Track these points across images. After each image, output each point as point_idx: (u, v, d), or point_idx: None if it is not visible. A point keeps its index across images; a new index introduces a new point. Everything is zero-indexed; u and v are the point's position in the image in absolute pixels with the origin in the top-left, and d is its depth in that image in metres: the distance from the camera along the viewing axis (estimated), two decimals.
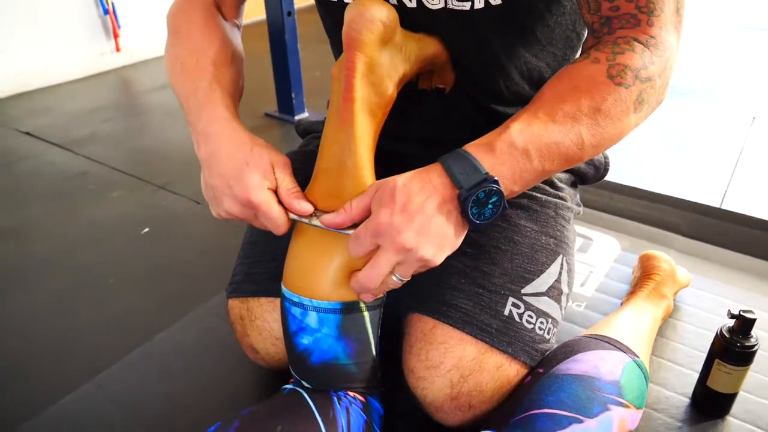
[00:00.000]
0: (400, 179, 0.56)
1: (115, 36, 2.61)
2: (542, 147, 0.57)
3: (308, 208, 0.61)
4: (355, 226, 0.58)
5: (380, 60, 0.61)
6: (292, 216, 0.62)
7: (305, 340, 0.66)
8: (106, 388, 0.91)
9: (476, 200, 0.55)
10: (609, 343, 0.73)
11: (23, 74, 2.37)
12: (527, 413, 0.63)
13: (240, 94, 0.72)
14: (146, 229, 1.38)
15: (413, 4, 0.66)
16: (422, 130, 0.79)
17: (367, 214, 0.58)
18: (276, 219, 0.61)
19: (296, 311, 0.65)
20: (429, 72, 0.74)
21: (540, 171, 0.58)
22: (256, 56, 2.84)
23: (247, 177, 0.60)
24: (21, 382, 0.95)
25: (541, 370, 0.69)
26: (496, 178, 0.55)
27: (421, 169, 0.58)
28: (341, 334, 0.65)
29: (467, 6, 0.64)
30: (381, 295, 0.66)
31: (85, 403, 0.88)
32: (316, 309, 0.64)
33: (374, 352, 0.69)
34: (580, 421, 0.61)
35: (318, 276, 0.63)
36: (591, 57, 0.59)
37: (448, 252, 0.59)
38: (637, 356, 0.72)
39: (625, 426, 0.65)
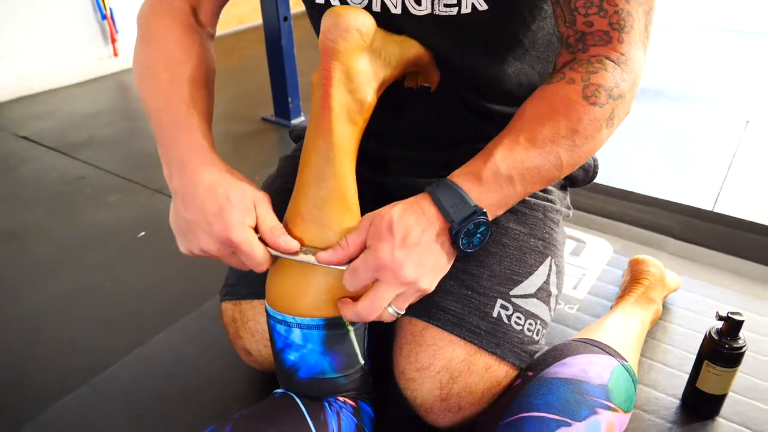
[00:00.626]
0: (395, 212, 0.57)
1: (113, 41, 2.62)
2: (524, 172, 0.59)
3: (295, 245, 0.60)
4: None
5: (358, 67, 0.61)
6: (275, 253, 0.60)
7: (292, 356, 0.66)
8: (102, 390, 0.91)
9: (466, 231, 0.57)
10: (598, 347, 0.73)
11: (23, 78, 2.38)
12: (516, 416, 0.64)
13: (212, 117, 0.70)
14: (143, 233, 1.39)
15: (398, 10, 0.66)
16: (410, 129, 0.79)
17: (362, 249, 0.58)
18: (259, 258, 0.59)
19: (281, 328, 0.65)
20: (414, 72, 0.75)
21: (522, 194, 0.61)
22: (253, 61, 2.86)
23: (228, 215, 0.58)
24: (19, 385, 0.96)
25: (530, 373, 0.69)
26: (484, 211, 0.58)
27: (411, 200, 0.59)
28: (326, 349, 0.65)
29: (454, 11, 0.64)
30: None
31: (82, 405, 0.89)
32: (300, 326, 0.63)
33: (362, 362, 0.69)
34: (569, 425, 0.62)
35: (300, 294, 0.62)
36: (567, 77, 0.61)
37: (440, 278, 0.61)
38: (626, 360, 0.73)
39: (613, 429, 0.65)
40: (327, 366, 0.66)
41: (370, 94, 0.63)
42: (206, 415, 0.85)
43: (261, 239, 0.60)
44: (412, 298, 0.60)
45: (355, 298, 0.61)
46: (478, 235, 0.59)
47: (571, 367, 0.68)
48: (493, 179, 0.58)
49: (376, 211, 0.59)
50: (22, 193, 1.63)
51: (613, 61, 0.60)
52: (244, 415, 0.65)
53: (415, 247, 0.56)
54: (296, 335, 0.64)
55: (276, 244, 0.60)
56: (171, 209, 0.63)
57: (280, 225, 0.61)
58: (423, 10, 0.65)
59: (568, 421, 0.62)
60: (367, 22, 0.61)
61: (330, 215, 0.61)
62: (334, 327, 0.64)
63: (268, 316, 0.66)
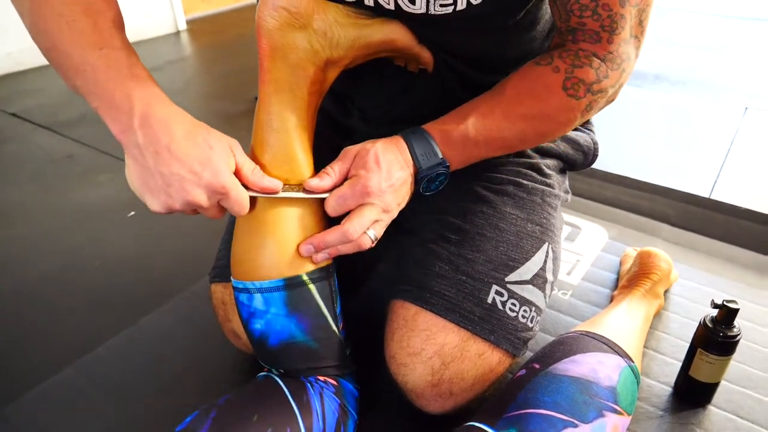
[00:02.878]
0: (379, 148, 0.64)
1: None
2: (491, 140, 0.67)
3: (278, 183, 0.63)
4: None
5: (294, 44, 0.62)
6: (253, 194, 0.62)
7: (258, 325, 0.66)
8: (89, 371, 0.90)
9: (429, 178, 0.66)
10: (607, 344, 0.71)
11: (12, 54, 2.33)
12: (522, 411, 0.62)
13: None
14: (132, 213, 1.37)
15: (391, 7, 0.64)
16: (407, 112, 0.77)
17: (344, 178, 0.65)
18: (245, 201, 0.61)
19: (244, 297, 0.66)
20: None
21: (485, 155, 0.70)
22: (248, 39, 2.81)
23: (215, 162, 0.58)
24: (5, 364, 0.94)
25: (537, 366, 0.68)
26: (448, 164, 0.66)
27: (388, 140, 0.66)
28: (290, 311, 0.65)
29: (450, 9, 0.63)
30: (327, 263, 0.67)
31: (68, 386, 0.88)
32: (260, 290, 0.65)
33: (334, 327, 0.69)
34: (575, 426, 0.60)
35: (255, 258, 0.65)
36: (553, 64, 0.65)
37: None
38: (633, 361, 0.71)
39: None
40: (294, 328, 0.66)
41: (310, 69, 0.64)
42: (194, 397, 0.84)
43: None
44: (384, 226, 0.66)
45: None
46: (437, 183, 0.68)
47: (580, 366, 0.67)
48: (461, 141, 0.66)
49: (359, 145, 0.65)
50: (10, 170, 1.60)
51: (599, 58, 0.64)
52: (228, 400, 0.65)
53: (395, 181, 0.64)
54: (258, 301, 0.65)
55: (261, 185, 0.62)
56: (131, 168, 0.59)
57: (258, 167, 0.63)
58: (417, 9, 0.63)
59: (575, 422, 0.60)
60: (297, 2, 0.61)
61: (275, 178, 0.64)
62: (294, 286, 0.65)
63: (233, 288, 0.68)
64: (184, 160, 0.57)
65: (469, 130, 0.65)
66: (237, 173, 0.61)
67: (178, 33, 2.95)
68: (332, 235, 0.64)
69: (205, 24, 3.12)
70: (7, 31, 2.28)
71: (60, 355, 0.94)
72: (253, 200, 0.63)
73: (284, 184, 0.64)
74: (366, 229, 0.64)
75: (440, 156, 0.65)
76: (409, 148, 0.65)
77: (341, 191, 0.63)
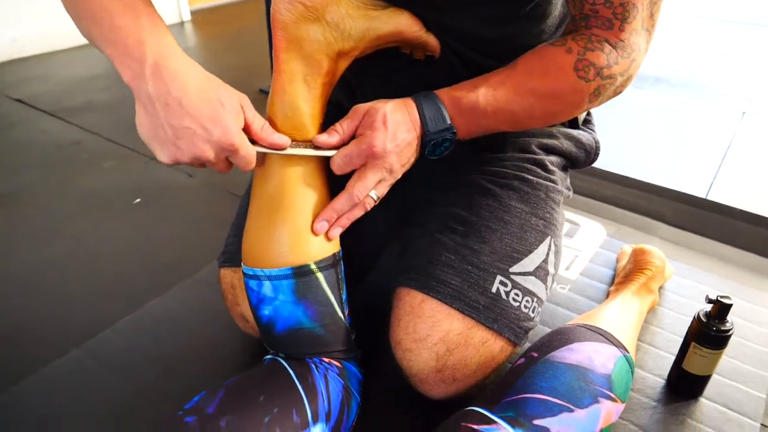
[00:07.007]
0: (388, 108, 0.65)
1: None
2: (499, 111, 0.68)
3: (286, 139, 0.65)
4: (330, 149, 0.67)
5: (308, 36, 0.65)
6: (261, 150, 0.64)
7: (266, 311, 0.69)
8: (96, 353, 0.92)
9: (435, 142, 0.68)
10: (603, 335, 0.74)
11: (17, 40, 2.33)
12: (520, 396, 0.64)
13: None
14: (138, 200, 1.38)
15: None
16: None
17: (352, 136, 0.67)
18: (252, 158, 0.63)
19: (253, 284, 0.68)
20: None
21: (491, 127, 0.70)
22: (252, 31, 2.82)
23: (226, 119, 0.59)
24: (13, 346, 0.96)
25: (535, 354, 0.70)
26: (455, 130, 0.68)
27: (399, 101, 0.67)
28: (298, 299, 0.67)
29: None
30: (334, 252, 0.69)
31: (74, 367, 0.89)
32: (269, 277, 0.67)
33: (340, 314, 0.71)
34: (571, 410, 0.62)
35: (265, 246, 0.67)
36: (566, 46, 0.66)
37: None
38: (628, 351, 0.74)
39: (610, 418, 0.67)
40: (302, 315, 0.68)
41: (324, 60, 0.67)
42: (199, 380, 0.85)
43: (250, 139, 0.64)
44: (387, 186, 0.68)
45: (317, 242, 0.68)
46: (441, 148, 0.69)
47: (577, 354, 0.69)
48: (471, 108, 0.67)
49: (369, 104, 0.67)
50: (14, 157, 1.61)
51: (611, 45, 0.65)
52: (235, 382, 0.67)
53: (401, 142, 0.65)
54: (267, 288, 0.67)
55: (270, 141, 0.64)
56: (141, 117, 0.59)
57: (268, 123, 0.65)
58: None
59: (571, 407, 0.63)
60: None
61: None
62: (302, 275, 0.67)
63: (243, 274, 0.70)
64: (195, 116, 0.57)
65: (479, 100, 0.67)
66: (246, 129, 0.62)
67: (182, 23, 2.95)
68: (340, 201, 0.67)
69: (210, 15, 3.12)
70: (13, 17, 2.29)
71: (67, 337, 0.95)
72: (260, 158, 0.65)
73: (292, 140, 0.65)
74: (370, 189, 0.67)
75: (449, 122, 0.67)
76: (419, 110, 0.67)
77: (347, 150, 0.65)
